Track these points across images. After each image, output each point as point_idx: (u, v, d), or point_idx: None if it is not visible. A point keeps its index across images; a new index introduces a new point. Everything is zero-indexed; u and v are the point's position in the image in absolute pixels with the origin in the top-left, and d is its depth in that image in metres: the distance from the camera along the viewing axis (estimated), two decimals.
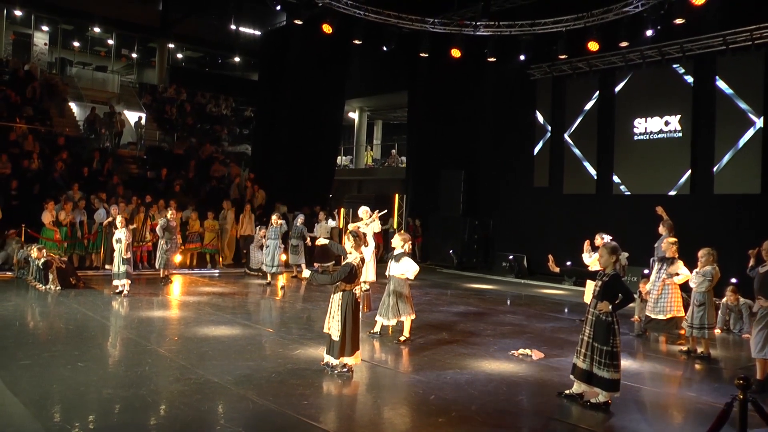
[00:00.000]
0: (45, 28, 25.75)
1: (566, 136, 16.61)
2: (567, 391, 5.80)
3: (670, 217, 9.24)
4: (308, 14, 15.61)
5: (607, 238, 8.63)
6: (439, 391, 5.86)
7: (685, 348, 8.07)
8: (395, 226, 19.52)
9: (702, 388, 6.59)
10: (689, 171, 14.11)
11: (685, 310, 8.08)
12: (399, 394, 5.92)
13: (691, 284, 7.87)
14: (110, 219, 12.33)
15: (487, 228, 18.27)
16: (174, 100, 25.02)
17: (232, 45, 27.25)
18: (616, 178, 15.50)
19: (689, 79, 14.28)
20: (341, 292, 6.19)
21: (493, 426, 5.06)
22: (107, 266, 12.87)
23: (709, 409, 5.57)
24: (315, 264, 14.06)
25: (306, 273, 6.72)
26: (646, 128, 14.97)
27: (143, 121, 22.87)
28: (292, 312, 10.42)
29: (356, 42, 16.35)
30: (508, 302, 12.36)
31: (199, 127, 24.45)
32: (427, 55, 16.82)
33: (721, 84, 13.63)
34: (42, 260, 11.13)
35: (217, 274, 14.52)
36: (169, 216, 12.43)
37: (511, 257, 16.46)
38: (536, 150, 17.25)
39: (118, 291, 10.60)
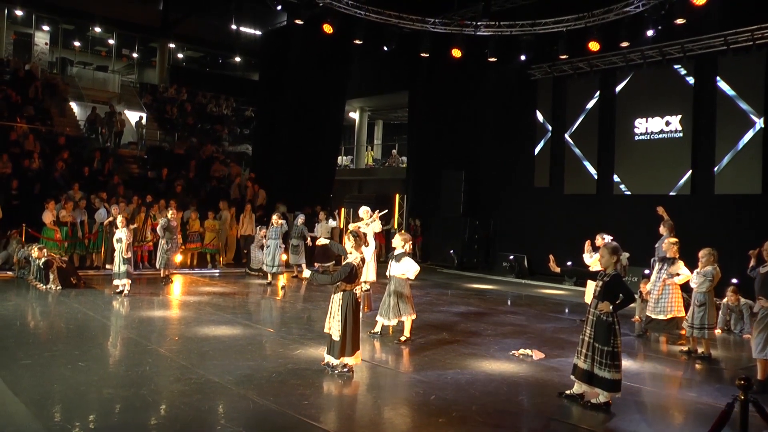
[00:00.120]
0: (46, 27, 25.78)
1: (567, 136, 16.61)
2: (568, 392, 5.80)
3: (670, 218, 9.23)
4: (309, 14, 15.62)
5: (608, 238, 8.63)
6: (439, 391, 5.86)
7: (685, 348, 8.06)
8: (395, 227, 19.52)
9: (703, 388, 6.57)
10: (690, 171, 14.11)
11: (686, 311, 8.07)
12: (399, 394, 5.92)
13: (692, 284, 7.87)
14: (111, 219, 12.33)
15: (487, 228, 18.27)
16: (175, 100, 25.04)
17: (233, 45, 27.24)
18: (616, 179, 15.50)
19: (690, 79, 14.28)
20: (342, 292, 6.18)
21: (494, 426, 5.06)
22: (108, 266, 12.87)
23: (710, 409, 5.56)
24: (315, 264, 14.06)
25: (306, 273, 6.72)
26: (646, 128, 14.97)
27: (144, 121, 22.89)
28: (293, 312, 10.42)
29: (357, 42, 16.36)
30: (509, 302, 12.36)
31: (199, 127, 24.47)
32: (427, 55, 16.82)
33: (721, 84, 13.62)
34: (43, 260, 11.13)
35: (217, 274, 14.52)
36: (169, 216, 12.43)
37: (511, 257, 16.46)
38: (537, 150, 17.25)
39: (118, 291, 10.60)
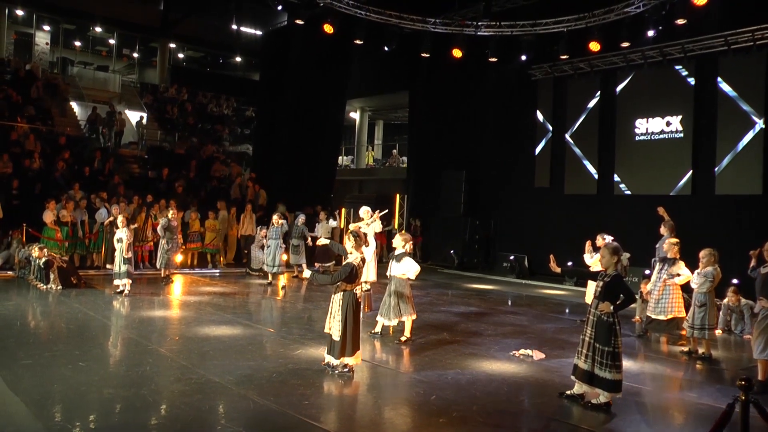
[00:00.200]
0: (46, 27, 25.81)
1: (567, 136, 16.61)
2: (568, 392, 5.80)
3: (671, 218, 9.23)
4: (309, 14, 15.62)
5: (609, 238, 8.62)
6: (440, 392, 5.86)
7: (686, 349, 8.06)
8: (396, 227, 19.52)
9: (703, 389, 6.57)
10: (690, 171, 14.11)
11: (686, 311, 8.07)
12: (400, 395, 5.92)
13: (693, 285, 7.86)
14: (111, 218, 12.33)
15: (487, 228, 18.26)
16: (175, 100, 25.06)
17: (233, 45, 27.23)
18: (617, 179, 15.50)
19: (691, 79, 14.27)
20: (342, 292, 6.19)
21: (494, 426, 5.06)
22: (108, 266, 12.88)
23: (711, 410, 5.56)
24: (316, 264, 14.07)
25: (307, 273, 6.71)
26: (647, 129, 14.96)
27: (144, 121, 22.91)
28: (293, 312, 10.42)
29: (357, 42, 16.34)
30: (509, 302, 12.35)
31: (200, 126, 24.48)
32: (428, 55, 16.81)
33: (722, 85, 13.62)
34: (43, 260, 11.14)
35: (217, 274, 14.53)
36: (170, 216, 12.43)
37: (512, 257, 16.46)
38: (537, 150, 17.24)
39: (119, 290, 10.60)
